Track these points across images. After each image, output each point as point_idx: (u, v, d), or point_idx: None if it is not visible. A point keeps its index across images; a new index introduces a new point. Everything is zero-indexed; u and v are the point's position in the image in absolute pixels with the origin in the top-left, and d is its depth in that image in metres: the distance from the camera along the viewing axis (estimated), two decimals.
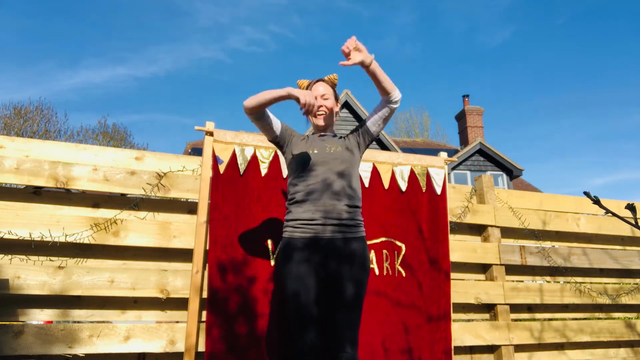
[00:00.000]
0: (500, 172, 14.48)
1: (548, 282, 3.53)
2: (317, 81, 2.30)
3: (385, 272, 2.89)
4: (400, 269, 2.93)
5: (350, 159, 2.16)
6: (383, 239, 2.94)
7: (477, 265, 3.37)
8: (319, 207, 2.05)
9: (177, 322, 2.64)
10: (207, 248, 2.61)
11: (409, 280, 2.93)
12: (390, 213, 2.98)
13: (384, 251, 2.92)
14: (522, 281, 3.49)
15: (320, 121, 2.25)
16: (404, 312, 2.87)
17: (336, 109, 2.32)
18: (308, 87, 2.30)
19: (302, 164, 2.14)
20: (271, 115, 2.20)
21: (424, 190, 3.10)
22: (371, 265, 2.84)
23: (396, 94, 2.13)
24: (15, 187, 2.70)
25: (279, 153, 2.82)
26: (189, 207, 2.86)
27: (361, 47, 1.95)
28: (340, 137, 2.29)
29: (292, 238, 2.07)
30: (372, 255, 2.89)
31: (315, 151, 2.16)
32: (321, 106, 2.23)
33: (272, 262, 2.66)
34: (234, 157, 2.75)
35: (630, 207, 1.38)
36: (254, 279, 2.61)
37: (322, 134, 2.27)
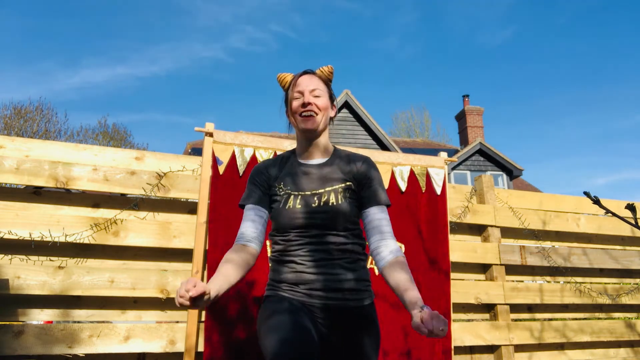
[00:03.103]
0: (500, 172, 14.49)
1: (548, 282, 3.53)
2: (304, 73, 1.64)
3: None
4: None
5: (348, 211, 1.58)
6: None
7: (477, 265, 3.37)
8: (314, 287, 1.55)
9: (177, 322, 2.65)
10: (207, 249, 2.61)
11: None
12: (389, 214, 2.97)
13: None
14: (522, 281, 3.49)
15: (307, 124, 1.58)
16: (401, 313, 2.86)
17: (331, 113, 1.66)
18: (291, 83, 1.64)
19: (283, 227, 1.59)
20: (260, 212, 1.71)
21: (423, 191, 3.10)
22: (370, 266, 2.84)
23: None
24: (15, 187, 2.71)
25: (278, 154, 2.82)
26: (189, 207, 2.86)
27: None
28: (336, 165, 1.65)
29: (280, 297, 1.58)
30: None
31: (298, 206, 1.56)
32: (309, 104, 1.57)
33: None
34: (233, 158, 2.75)
35: (630, 207, 1.39)
36: (253, 282, 2.61)
37: (307, 162, 1.66)
